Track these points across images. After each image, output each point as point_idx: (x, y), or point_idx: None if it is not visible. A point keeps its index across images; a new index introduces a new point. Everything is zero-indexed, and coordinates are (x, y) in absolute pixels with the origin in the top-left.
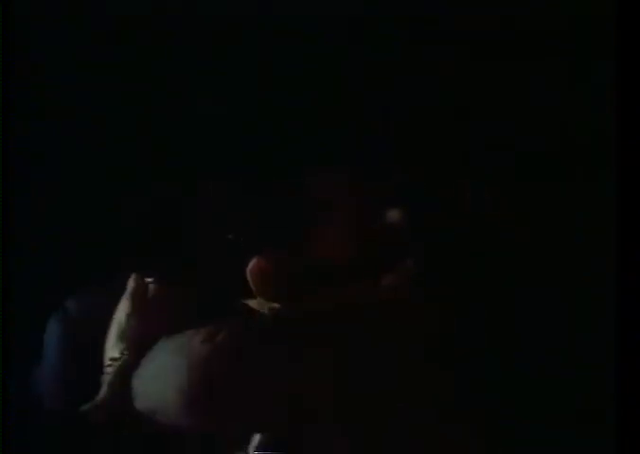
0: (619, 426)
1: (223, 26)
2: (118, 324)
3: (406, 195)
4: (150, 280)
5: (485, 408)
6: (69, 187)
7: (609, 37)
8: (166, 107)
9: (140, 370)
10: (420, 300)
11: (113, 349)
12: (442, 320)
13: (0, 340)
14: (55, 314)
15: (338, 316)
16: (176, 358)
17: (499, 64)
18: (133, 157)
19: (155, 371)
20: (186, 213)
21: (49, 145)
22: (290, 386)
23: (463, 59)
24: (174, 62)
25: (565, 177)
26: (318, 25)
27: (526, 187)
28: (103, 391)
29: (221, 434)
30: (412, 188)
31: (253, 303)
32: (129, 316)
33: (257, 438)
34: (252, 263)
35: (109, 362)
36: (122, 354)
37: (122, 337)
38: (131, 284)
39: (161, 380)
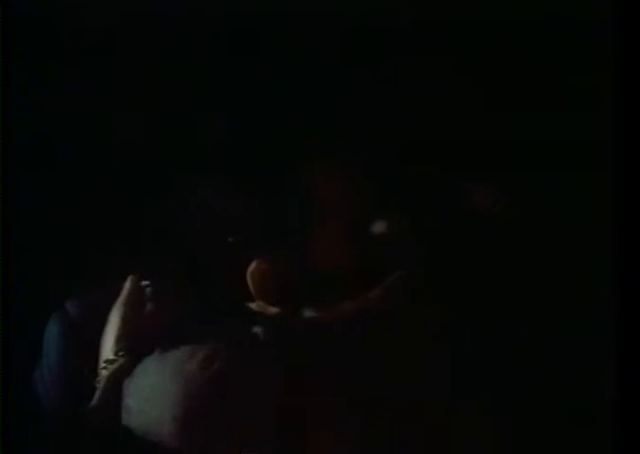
0: (619, 426)
1: (222, 27)
2: (114, 326)
3: (404, 199)
4: (146, 283)
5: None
6: (69, 188)
7: (609, 37)
8: (165, 107)
9: (133, 386)
10: (419, 306)
11: (108, 351)
12: (442, 322)
13: (0, 339)
14: (54, 314)
15: (338, 326)
16: (172, 384)
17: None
18: (134, 158)
19: (150, 393)
20: (184, 214)
21: (50, 145)
22: (287, 413)
23: (463, 58)
24: (175, 63)
25: (566, 178)
26: (319, 25)
27: (526, 187)
28: (97, 396)
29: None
30: (410, 192)
31: (253, 305)
32: (124, 318)
33: None
34: (252, 266)
35: (103, 365)
36: (117, 356)
37: (118, 339)
38: (127, 285)
39: (156, 404)
